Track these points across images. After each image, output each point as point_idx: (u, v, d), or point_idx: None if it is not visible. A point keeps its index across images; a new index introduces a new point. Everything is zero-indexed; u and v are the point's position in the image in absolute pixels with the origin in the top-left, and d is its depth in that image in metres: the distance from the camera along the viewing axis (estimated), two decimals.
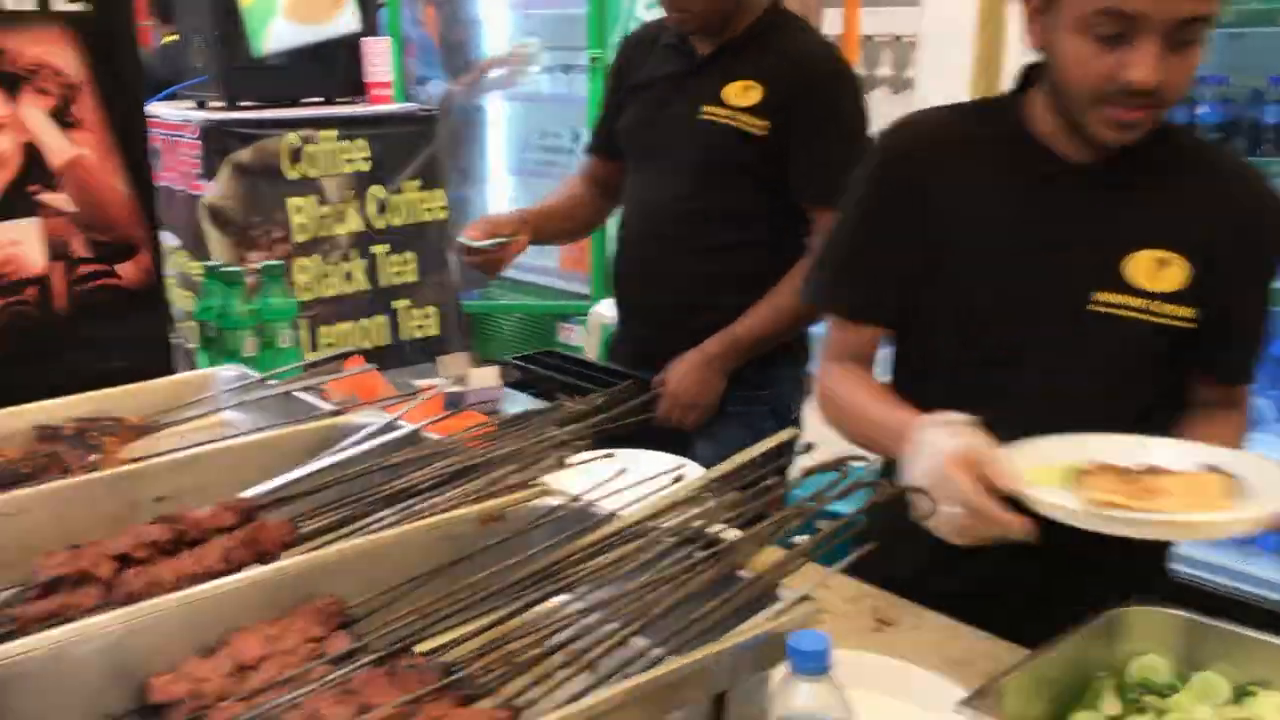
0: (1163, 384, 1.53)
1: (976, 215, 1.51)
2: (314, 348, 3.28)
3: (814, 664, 0.91)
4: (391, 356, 3.42)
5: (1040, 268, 1.48)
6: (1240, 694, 1.20)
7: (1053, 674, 1.19)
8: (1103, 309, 1.46)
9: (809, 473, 1.20)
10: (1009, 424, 1.34)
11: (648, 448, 2.15)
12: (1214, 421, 1.54)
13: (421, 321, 3.53)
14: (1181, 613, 1.26)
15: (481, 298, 5.43)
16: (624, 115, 2.36)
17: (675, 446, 2.23)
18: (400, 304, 3.48)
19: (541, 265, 5.27)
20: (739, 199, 2.18)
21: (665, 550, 1.08)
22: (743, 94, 2.12)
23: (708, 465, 2.05)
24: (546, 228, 2.45)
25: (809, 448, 1.26)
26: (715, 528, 1.12)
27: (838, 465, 1.16)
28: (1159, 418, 1.50)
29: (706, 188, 2.19)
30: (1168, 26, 1.31)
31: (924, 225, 1.52)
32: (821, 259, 1.67)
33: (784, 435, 1.25)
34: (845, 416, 1.59)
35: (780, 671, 0.95)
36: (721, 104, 2.14)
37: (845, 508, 2.76)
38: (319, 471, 1.28)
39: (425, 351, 3.52)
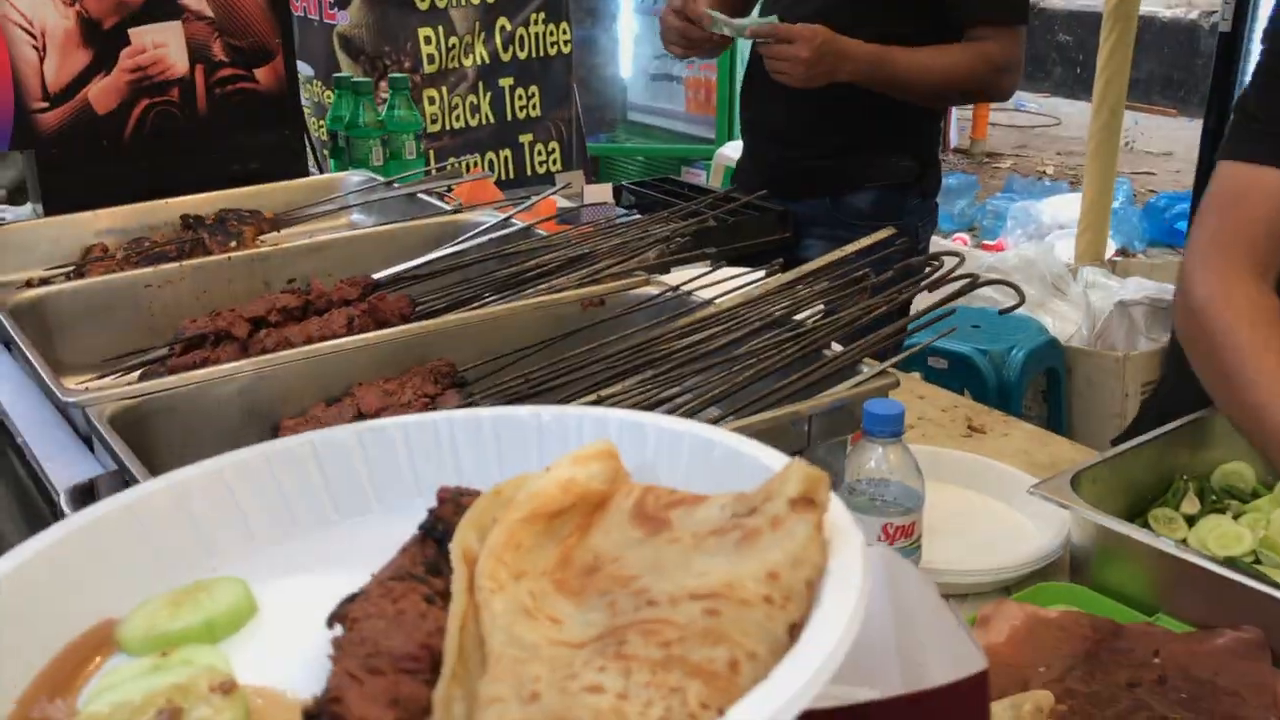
0: None
1: None
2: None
3: (886, 427, 0.96)
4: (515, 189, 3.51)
5: None
6: None
7: (1134, 472, 1.22)
8: None
9: (904, 265, 1.22)
10: None
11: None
12: None
13: (545, 157, 3.59)
14: None
15: (607, 140, 5.46)
16: None
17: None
18: (525, 138, 3.54)
19: (667, 109, 5.26)
20: (892, 13, 2.09)
21: (753, 331, 1.13)
22: None
23: None
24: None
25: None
26: (803, 314, 1.17)
27: (930, 260, 1.19)
28: None
29: (850, 4, 2.10)
30: None
31: None
32: (1238, 115, 1.32)
33: (881, 234, 1.28)
34: (1242, 394, 1.18)
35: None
36: None
37: (955, 340, 2.75)
38: (437, 259, 1.36)
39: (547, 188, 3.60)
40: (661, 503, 0.53)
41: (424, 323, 1.16)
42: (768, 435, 0.98)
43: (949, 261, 1.17)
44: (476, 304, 1.27)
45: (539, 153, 3.60)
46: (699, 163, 4.99)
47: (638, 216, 1.45)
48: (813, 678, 0.41)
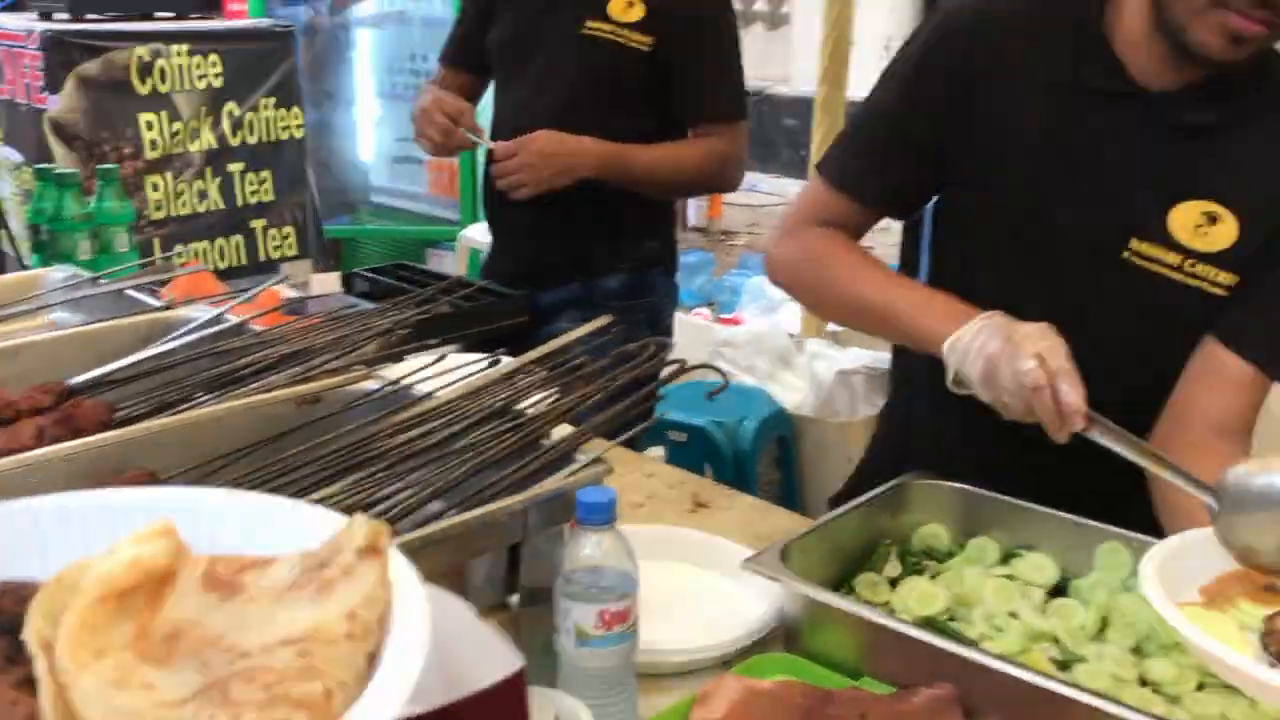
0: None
1: (1021, 123, 1.35)
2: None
3: (598, 515, 0.98)
4: (247, 278, 3.41)
5: (1079, 195, 1.34)
6: (1008, 556, 1.32)
7: (840, 540, 1.30)
8: (1137, 260, 1.33)
9: (620, 353, 1.26)
10: None
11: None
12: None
13: (279, 242, 3.51)
14: (959, 485, 1.38)
15: (350, 223, 5.38)
16: (496, 26, 2.31)
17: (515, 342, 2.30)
18: (257, 223, 3.45)
19: (410, 191, 5.25)
20: (620, 115, 2.18)
21: (474, 423, 1.14)
22: (626, 9, 2.13)
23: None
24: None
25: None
26: (524, 404, 1.18)
27: (643, 347, 1.24)
28: None
29: (587, 104, 2.18)
30: None
31: (965, 117, 1.38)
32: (842, 132, 1.57)
33: (599, 321, 1.32)
34: (838, 279, 1.43)
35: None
36: (606, 18, 2.13)
37: (692, 413, 2.83)
38: (143, 360, 1.30)
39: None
40: (232, 569, 0.60)
41: (122, 430, 1.10)
42: (486, 530, 0.99)
43: (665, 347, 1.22)
44: (183, 407, 1.22)
45: (273, 238, 3.51)
46: (444, 244, 4.99)
47: (363, 306, 1.43)
48: (397, 694, 0.52)
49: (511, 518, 0.98)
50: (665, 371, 1.17)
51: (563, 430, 1.12)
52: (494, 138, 2.27)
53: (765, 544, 1.45)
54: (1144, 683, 1.15)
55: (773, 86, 10.08)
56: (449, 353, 1.34)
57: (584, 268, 2.26)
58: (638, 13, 2.13)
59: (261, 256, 3.48)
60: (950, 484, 1.38)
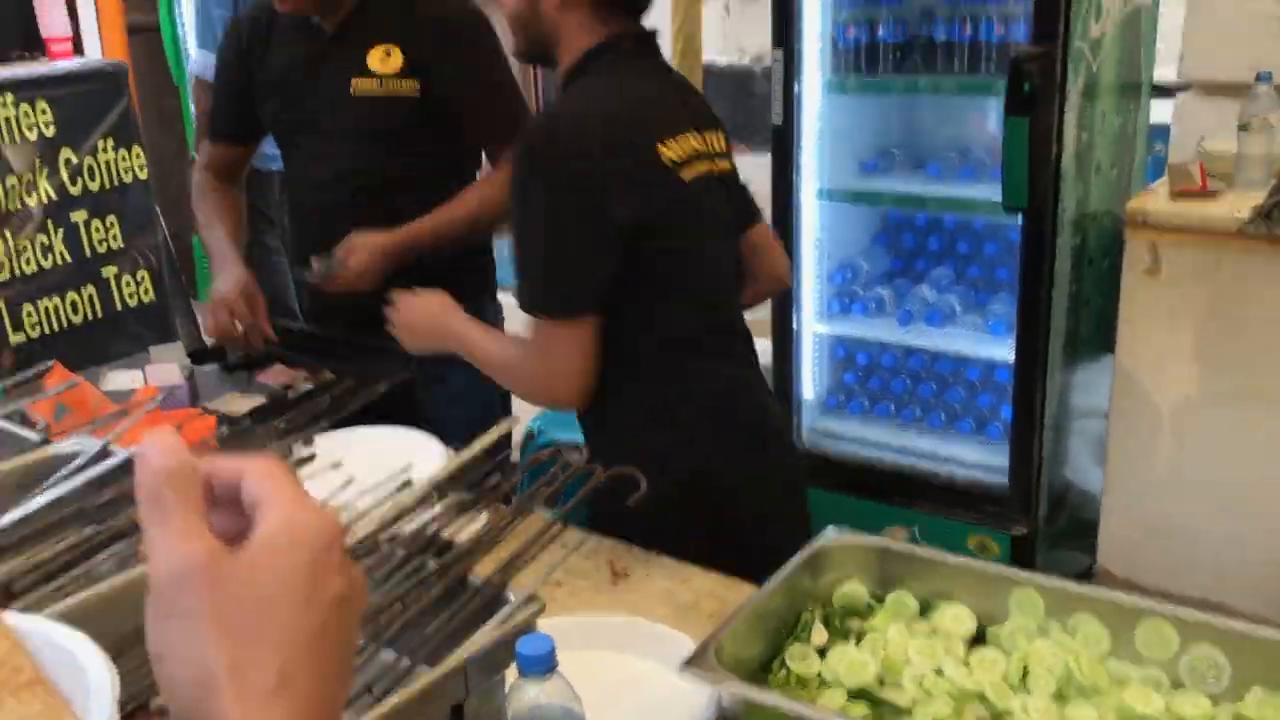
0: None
1: None
2: (19, 328, 3.07)
3: (539, 667, 0.97)
4: (106, 330, 3.26)
5: None
6: (925, 608, 1.36)
7: (766, 614, 1.32)
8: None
9: (532, 465, 1.25)
10: None
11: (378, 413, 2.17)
12: None
13: (134, 288, 3.36)
14: (877, 541, 1.42)
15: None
16: (265, 102, 2.32)
17: (405, 404, 2.26)
18: (109, 271, 3.29)
19: None
20: (409, 163, 2.22)
21: (398, 564, 1.11)
22: (385, 60, 2.15)
23: (439, 414, 2.07)
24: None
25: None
26: (447, 531, 1.16)
27: (555, 454, 1.23)
28: None
29: (375, 156, 2.22)
30: None
31: None
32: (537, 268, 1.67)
33: (503, 427, 1.30)
34: None
35: (513, 672, 1.01)
36: (370, 74, 2.16)
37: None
38: (27, 518, 1.23)
39: (145, 320, 3.36)
40: None
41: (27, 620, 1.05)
42: (429, 696, 0.97)
43: (573, 458, 1.21)
44: (85, 566, 1.17)
45: (127, 284, 3.35)
46: None
47: (249, 428, 1.38)
48: None
49: (452, 679, 0.97)
50: (584, 489, 1.16)
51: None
52: (291, 209, 2.35)
53: (688, 614, 1.47)
54: None
55: None
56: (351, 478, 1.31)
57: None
58: (396, 61, 2.16)
59: (117, 305, 3.32)
60: (864, 540, 1.41)
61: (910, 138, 3.31)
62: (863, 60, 3.01)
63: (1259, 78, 2.59)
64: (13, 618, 0.74)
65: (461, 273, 2.27)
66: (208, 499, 0.54)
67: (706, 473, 1.72)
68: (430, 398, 2.21)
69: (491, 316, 2.40)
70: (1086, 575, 2.97)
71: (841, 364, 3.41)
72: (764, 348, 3.07)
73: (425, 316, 1.85)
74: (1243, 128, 2.62)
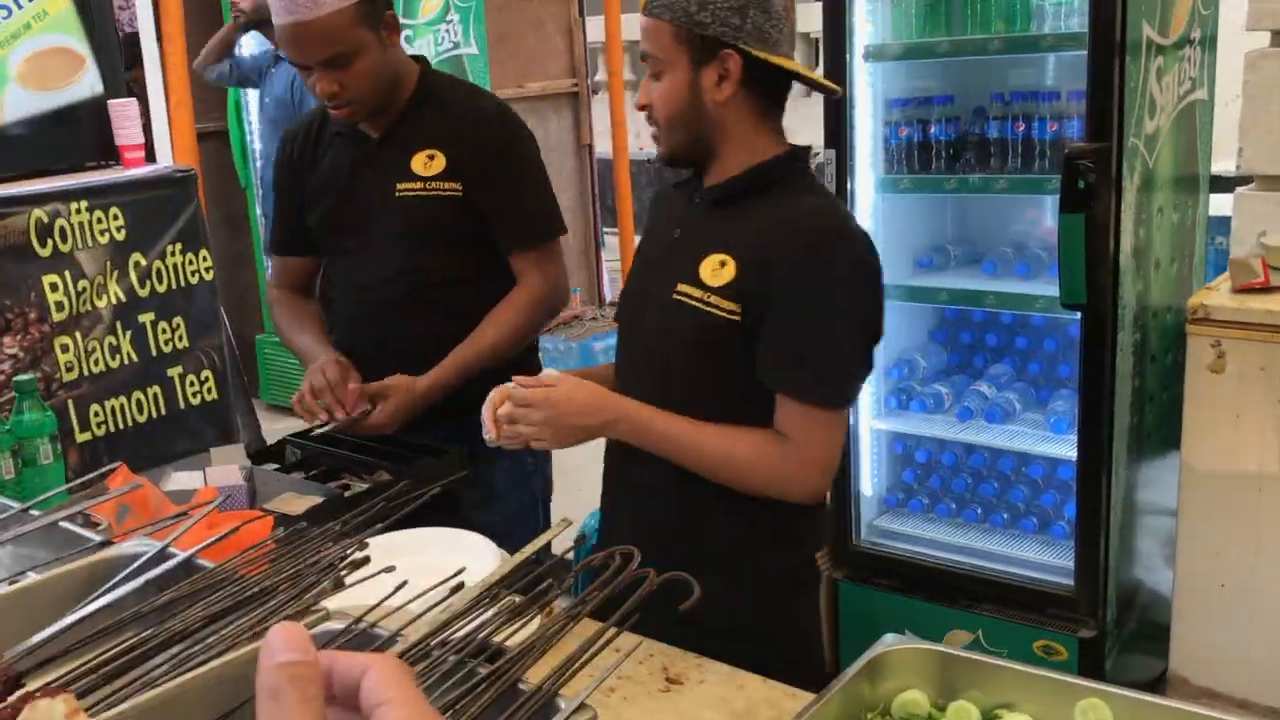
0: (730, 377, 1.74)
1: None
2: (85, 428, 3.14)
3: None
4: (169, 429, 3.31)
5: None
6: (988, 718, 1.32)
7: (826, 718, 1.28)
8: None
9: (585, 567, 1.24)
10: None
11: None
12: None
13: (198, 387, 3.42)
14: (937, 647, 1.38)
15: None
16: (315, 209, 2.39)
17: (447, 503, 2.27)
18: (174, 371, 3.36)
19: None
20: (452, 260, 2.28)
21: (448, 671, 1.10)
22: (428, 164, 2.22)
23: (483, 521, 2.07)
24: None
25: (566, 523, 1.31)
26: (498, 636, 1.15)
27: (608, 558, 1.22)
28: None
29: (420, 256, 2.28)
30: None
31: None
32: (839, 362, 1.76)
33: (559, 528, 1.29)
34: None
35: None
36: (414, 177, 2.23)
37: None
38: (87, 619, 1.24)
39: (208, 418, 3.42)
40: None
41: None
42: None
43: (626, 558, 1.20)
44: (141, 670, 1.17)
45: (190, 384, 3.42)
46: None
47: (305, 529, 1.39)
48: None
49: None
50: (638, 592, 1.15)
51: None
52: (336, 311, 2.42)
53: None
54: None
55: None
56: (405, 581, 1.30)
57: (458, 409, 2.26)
58: (439, 164, 2.23)
59: (181, 405, 3.38)
60: (925, 646, 1.38)
61: (965, 234, 3.30)
62: (915, 159, 3.03)
63: None
64: None
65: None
66: (326, 694, 0.54)
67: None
68: (471, 498, 2.22)
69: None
70: (1160, 681, 2.86)
71: (900, 461, 3.37)
72: None
73: (579, 404, 1.75)
74: None
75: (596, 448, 1.91)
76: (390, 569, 1.31)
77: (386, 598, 1.23)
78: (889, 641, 1.38)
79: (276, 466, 2.24)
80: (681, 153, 1.79)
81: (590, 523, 3.13)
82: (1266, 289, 2.56)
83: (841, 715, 1.31)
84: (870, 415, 3.24)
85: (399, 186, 2.24)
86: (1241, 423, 2.54)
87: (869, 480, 3.28)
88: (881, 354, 3.22)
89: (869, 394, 3.22)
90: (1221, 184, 3.51)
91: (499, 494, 2.34)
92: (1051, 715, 1.30)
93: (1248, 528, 2.60)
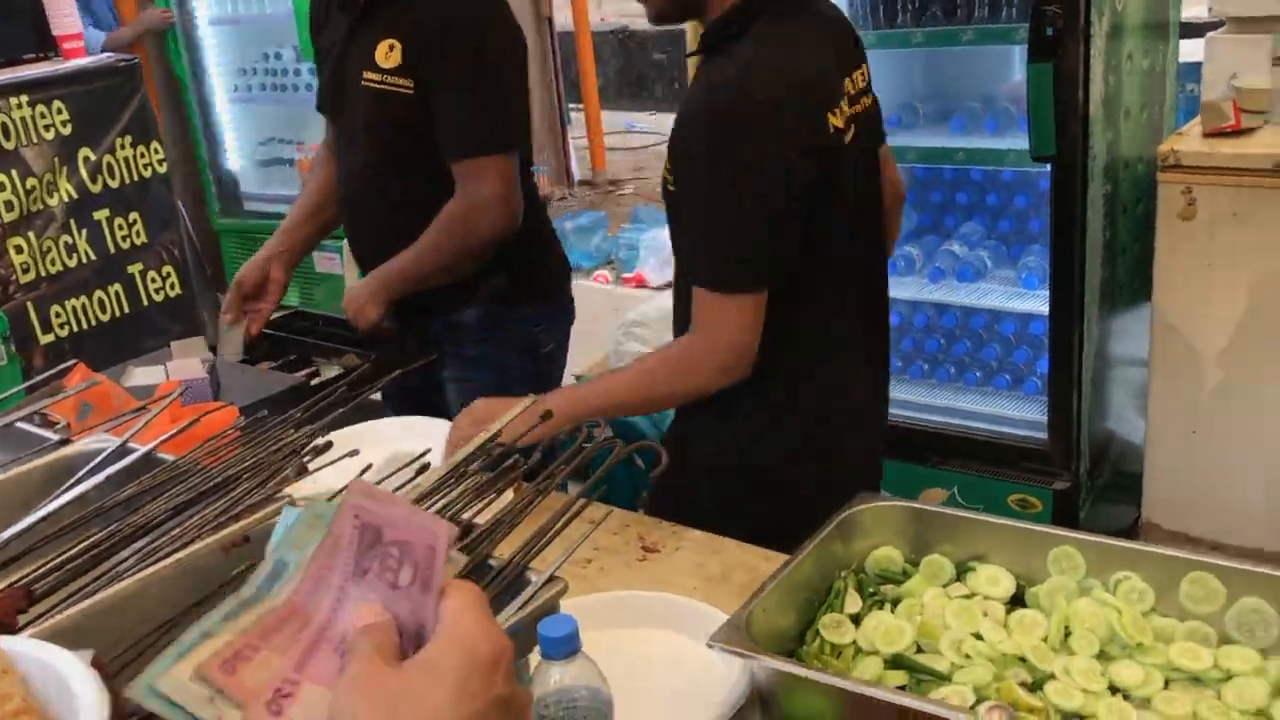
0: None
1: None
2: (48, 330, 3.09)
3: (562, 649, 0.95)
4: (134, 326, 3.27)
5: None
6: (962, 570, 1.33)
7: (798, 583, 1.29)
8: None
9: (551, 442, 1.23)
10: None
11: (406, 403, 2.15)
12: None
13: (160, 283, 3.37)
14: (910, 503, 1.38)
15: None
16: (320, 76, 2.31)
17: (435, 396, 2.25)
18: (134, 268, 3.30)
19: (284, 194, 5.07)
20: (412, 156, 2.15)
21: None
22: (388, 55, 2.09)
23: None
24: (306, 237, 2.37)
25: (548, 415, 1.29)
26: (467, 514, 1.14)
27: (574, 431, 1.20)
28: None
29: (381, 148, 2.18)
30: None
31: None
32: (718, 239, 1.61)
33: (523, 403, 1.27)
34: None
35: (537, 655, 0.99)
36: (375, 67, 2.11)
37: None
38: (49, 518, 1.23)
39: (173, 314, 3.37)
40: None
41: (49, 623, 1.04)
42: None
43: (598, 435, 1.18)
44: (105, 567, 1.16)
45: (153, 280, 3.37)
46: (328, 247, 4.84)
47: (265, 418, 1.36)
48: None
49: None
50: (605, 462, 1.13)
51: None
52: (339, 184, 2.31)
53: (719, 586, 1.45)
54: (1113, 689, 1.17)
55: (637, 21, 9.95)
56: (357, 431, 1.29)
57: (439, 305, 2.23)
58: (396, 57, 2.09)
59: (144, 302, 3.34)
60: (897, 503, 1.38)
61: (933, 91, 3.24)
62: (881, 12, 2.95)
63: None
64: (4, 641, 0.73)
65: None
66: None
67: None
68: (457, 398, 2.21)
69: (536, 322, 2.34)
70: (1134, 528, 2.91)
71: None
72: None
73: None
74: (1277, 62, 2.54)
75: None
76: (354, 453, 1.30)
77: (352, 481, 1.21)
78: (862, 499, 1.38)
79: (244, 358, 2.21)
80: (668, 10, 1.71)
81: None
82: (1238, 132, 2.52)
83: (815, 574, 1.32)
84: None
85: (364, 75, 2.13)
86: (1212, 270, 2.53)
87: None
88: None
89: None
90: (1192, 30, 3.44)
91: (482, 390, 2.31)
92: (1024, 565, 1.31)
93: (1219, 374, 2.61)
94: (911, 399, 3.13)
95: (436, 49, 2.08)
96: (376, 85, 2.11)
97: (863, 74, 1.77)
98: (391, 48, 2.09)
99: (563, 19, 7.34)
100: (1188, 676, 1.18)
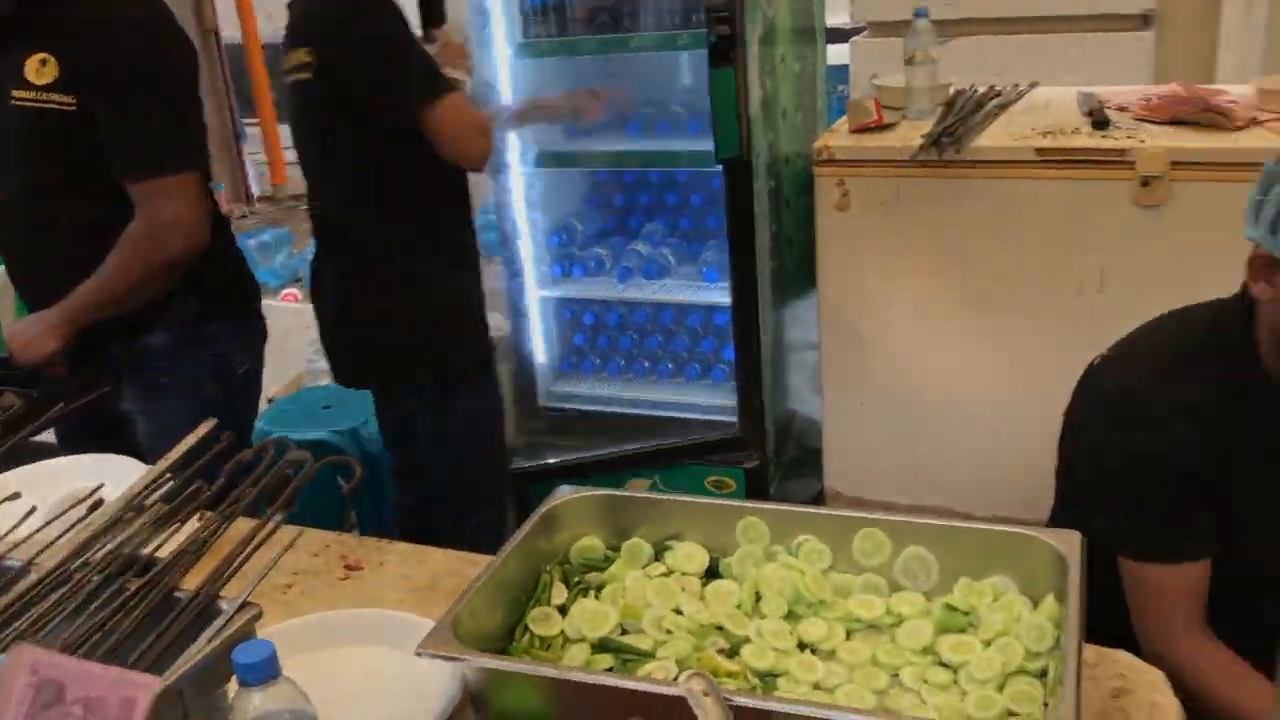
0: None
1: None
2: None
3: (259, 674, 0.92)
4: None
5: None
6: (660, 551, 1.39)
7: (505, 582, 1.30)
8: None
9: (235, 465, 1.19)
10: None
11: (84, 442, 2.01)
12: None
13: None
14: (607, 491, 1.43)
15: None
16: None
17: (118, 432, 2.11)
18: None
19: None
20: (78, 178, 2.02)
21: (94, 590, 1.03)
22: (40, 71, 1.95)
23: (151, 447, 1.96)
24: None
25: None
26: (147, 548, 1.09)
27: (260, 451, 1.17)
28: None
29: (42, 172, 2.03)
30: None
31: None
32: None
33: (200, 430, 1.22)
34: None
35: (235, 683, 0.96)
36: (27, 84, 1.96)
37: (306, 427, 2.72)
38: None
39: None
40: None
41: None
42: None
43: (294, 454, 1.15)
44: None
45: None
46: None
47: None
48: None
49: (165, 703, 0.90)
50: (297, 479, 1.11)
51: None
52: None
53: (426, 594, 1.44)
54: (802, 645, 1.25)
55: None
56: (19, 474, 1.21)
57: (121, 332, 2.10)
58: (51, 72, 1.96)
59: None
60: (595, 493, 1.42)
61: (609, 99, 3.34)
62: (553, 22, 3.01)
63: (917, 13, 2.76)
64: None
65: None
66: None
67: None
68: (145, 431, 2.09)
69: (228, 342, 2.24)
70: (818, 499, 3.12)
71: (569, 326, 3.43)
72: (497, 321, 3.05)
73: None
74: (908, 62, 2.79)
75: None
76: (15, 496, 1.20)
77: (13, 529, 1.13)
78: (562, 493, 1.41)
79: None
80: None
81: (263, 423, 3.01)
82: (881, 127, 2.75)
83: (521, 571, 1.34)
84: (536, 284, 3.27)
85: (13, 93, 1.96)
86: (868, 254, 2.75)
87: (541, 348, 3.33)
88: (540, 224, 3.25)
89: (532, 263, 3.25)
90: (838, 35, 3.72)
91: (174, 426, 2.17)
92: (717, 539, 1.38)
93: (881, 349, 2.84)
94: (613, 394, 3.22)
95: (99, 62, 1.95)
96: (30, 104, 1.95)
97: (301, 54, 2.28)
98: (44, 62, 1.94)
99: (229, 31, 7.02)
100: (866, 625, 1.28)
